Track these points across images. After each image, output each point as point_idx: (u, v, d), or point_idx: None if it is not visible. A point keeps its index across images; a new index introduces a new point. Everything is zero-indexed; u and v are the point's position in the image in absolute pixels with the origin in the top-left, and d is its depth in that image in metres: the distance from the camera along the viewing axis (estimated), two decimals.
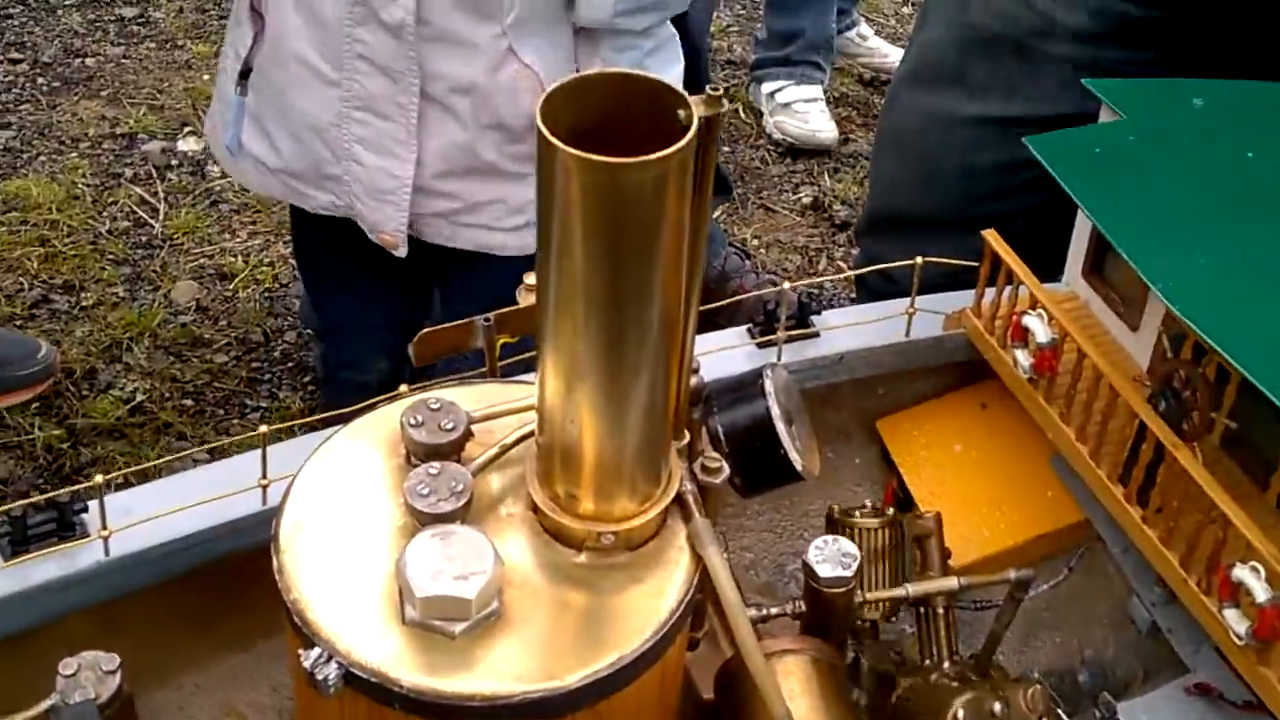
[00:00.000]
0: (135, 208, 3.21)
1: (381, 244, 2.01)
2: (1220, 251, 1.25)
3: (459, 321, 1.18)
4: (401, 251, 2.00)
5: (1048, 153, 1.32)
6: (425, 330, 1.17)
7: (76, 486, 1.17)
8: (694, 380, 1.06)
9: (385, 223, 1.97)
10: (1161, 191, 1.32)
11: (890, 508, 1.34)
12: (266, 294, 3.02)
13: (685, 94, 0.85)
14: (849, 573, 1.18)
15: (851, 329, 1.48)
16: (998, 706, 1.17)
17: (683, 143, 0.82)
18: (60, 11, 3.90)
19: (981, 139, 2.08)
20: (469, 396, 1.07)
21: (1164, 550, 1.23)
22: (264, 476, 1.20)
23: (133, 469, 1.32)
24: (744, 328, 1.47)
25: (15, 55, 3.70)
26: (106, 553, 1.16)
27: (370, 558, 0.97)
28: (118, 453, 2.60)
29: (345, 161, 1.94)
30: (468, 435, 1.03)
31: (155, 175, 3.31)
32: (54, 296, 2.94)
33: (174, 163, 3.36)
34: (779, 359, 1.42)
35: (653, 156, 0.81)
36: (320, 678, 0.91)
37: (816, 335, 1.47)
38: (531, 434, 1.02)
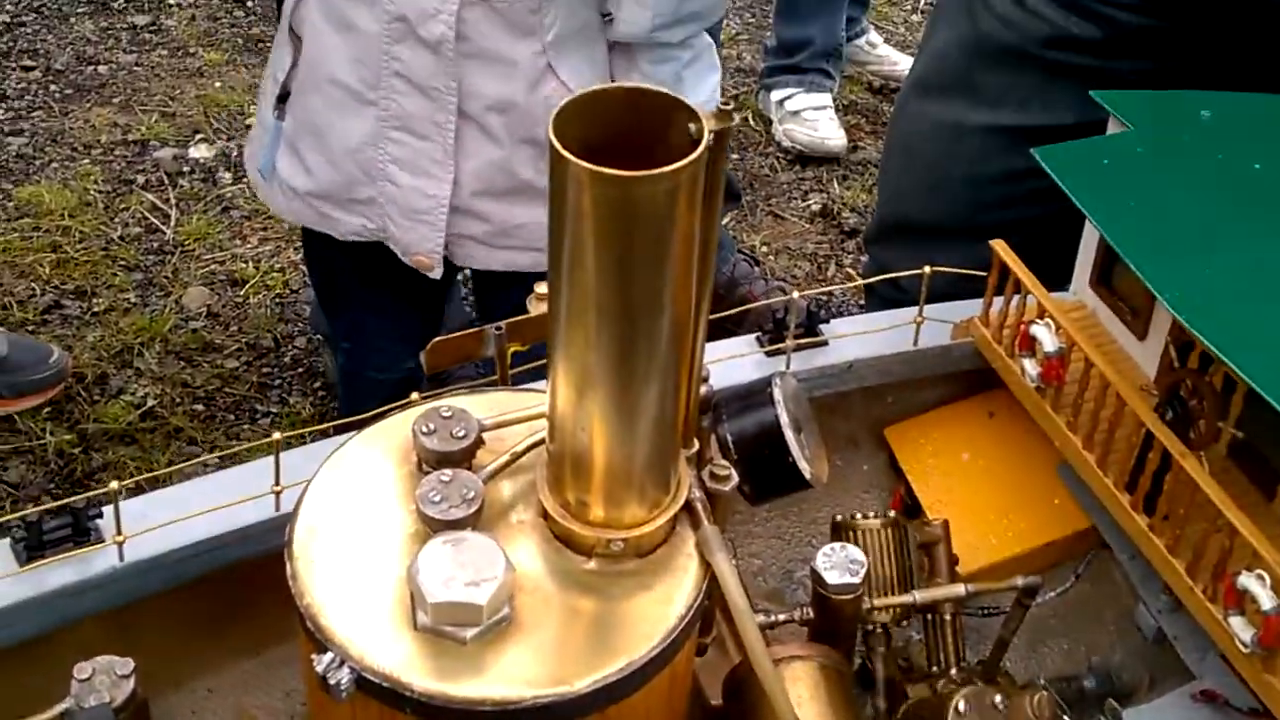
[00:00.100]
0: (147, 214, 3.22)
1: (416, 266, 1.99)
2: (1227, 262, 1.26)
3: (470, 330, 1.19)
4: (437, 273, 2.00)
5: (1056, 164, 1.32)
6: (437, 339, 1.18)
7: (91, 493, 1.18)
8: (703, 389, 1.07)
9: (420, 244, 1.96)
10: (1169, 202, 1.32)
11: (896, 513, 1.35)
12: (277, 300, 3.03)
13: (696, 108, 0.86)
14: (857, 579, 1.19)
15: (860, 337, 1.49)
16: (998, 698, 1.17)
17: (693, 156, 0.83)
18: (73, 19, 3.92)
19: (989, 148, 2.08)
20: (480, 404, 1.08)
21: (1170, 558, 1.23)
22: (277, 483, 1.20)
23: (144, 476, 1.33)
24: (753, 336, 1.48)
25: (28, 63, 3.72)
26: (121, 558, 1.17)
27: (382, 564, 0.98)
28: (129, 457, 2.61)
29: (380, 183, 1.93)
30: (479, 443, 1.04)
31: (167, 182, 3.33)
32: (66, 302, 2.96)
33: (185, 169, 3.38)
34: (788, 367, 1.43)
35: (664, 170, 0.82)
36: (333, 682, 0.92)
37: (825, 344, 1.48)
38: (542, 441, 1.03)
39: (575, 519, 1.00)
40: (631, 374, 0.92)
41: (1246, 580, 1.13)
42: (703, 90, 1.96)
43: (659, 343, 0.91)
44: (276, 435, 1.19)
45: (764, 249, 3.37)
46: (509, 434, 1.06)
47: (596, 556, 1.00)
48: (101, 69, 3.73)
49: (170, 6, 4.00)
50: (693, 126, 0.85)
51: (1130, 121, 1.38)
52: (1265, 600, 1.11)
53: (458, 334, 1.19)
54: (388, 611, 0.95)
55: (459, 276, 2.57)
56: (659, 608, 0.98)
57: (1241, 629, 1.14)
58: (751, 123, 3.79)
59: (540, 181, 1.90)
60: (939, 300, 1.50)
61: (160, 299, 3.00)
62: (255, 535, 1.20)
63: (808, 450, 1.20)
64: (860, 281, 2.44)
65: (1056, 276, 1.50)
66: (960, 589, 1.28)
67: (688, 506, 1.02)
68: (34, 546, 1.15)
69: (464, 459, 1.03)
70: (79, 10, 3.96)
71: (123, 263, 3.08)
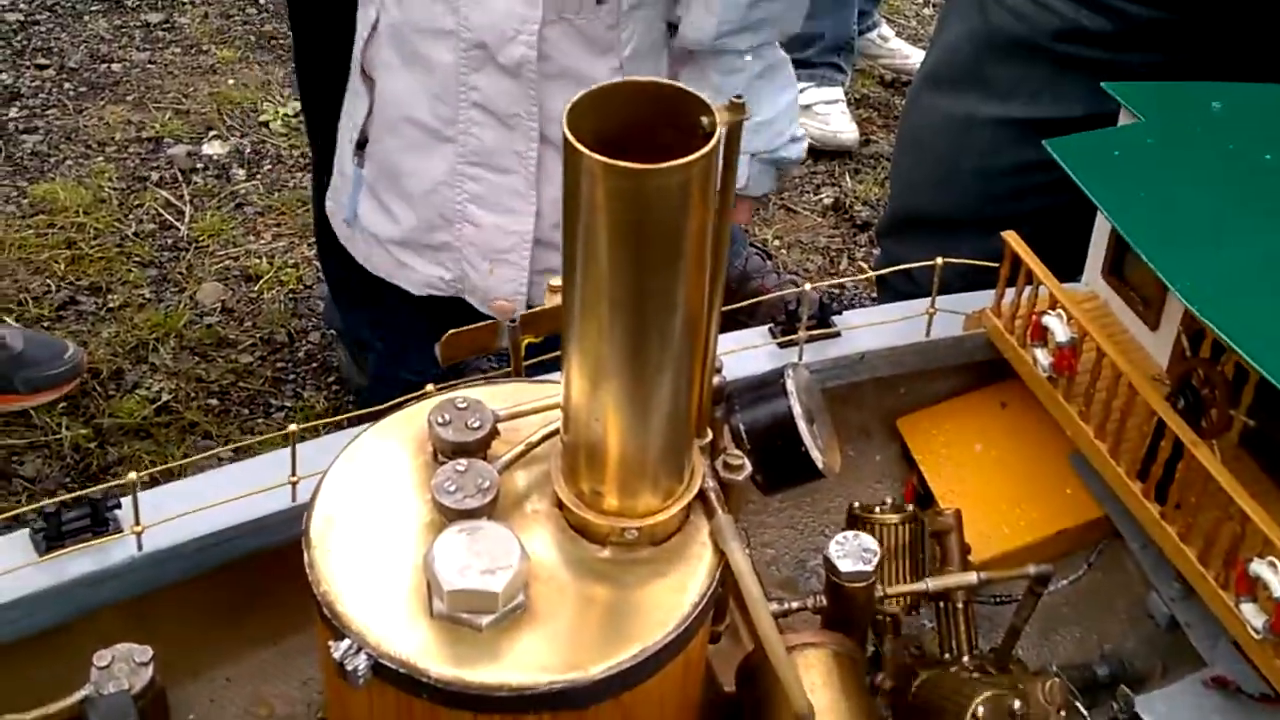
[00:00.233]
0: (161, 210, 3.24)
1: (496, 313, 1.90)
2: (1238, 251, 1.27)
3: (484, 323, 1.20)
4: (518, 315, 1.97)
5: (1067, 155, 1.33)
6: (451, 331, 1.19)
7: (110, 484, 1.19)
8: (716, 379, 1.07)
9: (500, 287, 1.90)
10: (1180, 193, 1.33)
11: (910, 505, 1.36)
12: (291, 295, 3.04)
13: (708, 101, 0.87)
14: (870, 568, 1.19)
15: (872, 329, 1.50)
16: (1017, 704, 1.18)
17: (706, 149, 0.84)
18: (86, 18, 3.93)
19: (1000, 140, 2.09)
20: (495, 395, 1.09)
21: (1182, 546, 1.24)
22: (293, 474, 1.21)
23: (159, 468, 1.34)
24: (765, 327, 1.49)
25: (42, 61, 3.73)
26: (139, 548, 1.18)
27: (399, 553, 0.99)
28: (144, 452, 2.62)
29: (457, 225, 1.88)
30: (494, 433, 1.05)
31: (181, 178, 3.34)
32: (81, 298, 2.97)
33: (199, 166, 3.39)
34: (800, 358, 1.44)
35: (676, 163, 0.83)
36: (350, 669, 0.93)
37: (838, 335, 1.49)
38: (556, 432, 1.04)
39: (590, 508, 1.01)
40: (645, 365, 0.93)
41: (1258, 567, 1.13)
42: (775, 105, 1.91)
43: (672, 334, 0.92)
44: (293, 427, 1.20)
45: (776, 243, 3.38)
46: (524, 424, 1.07)
47: (611, 545, 1.01)
48: (115, 67, 3.74)
49: (183, 4, 4.01)
50: (705, 120, 0.86)
51: (1141, 113, 1.39)
52: (1277, 587, 1.11)
53: (472, 326, 1.20)
54: (404, 599, 0.96)
55: None
56: (673, 595, 0.99)
57: (1253, 615, 1.15)
58: None
59: None
60: (951, 292, 1.50)
61: (175, 295, 3.01)
62: (272, 525, 1.21)
63: (820, 441, 1.20)
64: (872, 273, 2.45)
65: (1068, 268, 1.51)
66: (972, 577, 1.28)
67: (701, 495, 1.03)
68: (53, 537, 1.16)
69: (479, 449, 1.04)
70: (92, 8, 3.97)
71: (137, 259, 3.09)
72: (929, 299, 1.49)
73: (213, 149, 3.45)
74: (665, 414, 0.96)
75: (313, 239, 2.94)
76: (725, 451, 1.07)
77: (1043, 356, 1.38)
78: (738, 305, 1.45)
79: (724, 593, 1.09)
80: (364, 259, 2.03)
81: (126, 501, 1.18)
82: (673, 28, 1.84)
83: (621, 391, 0.94)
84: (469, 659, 0.93)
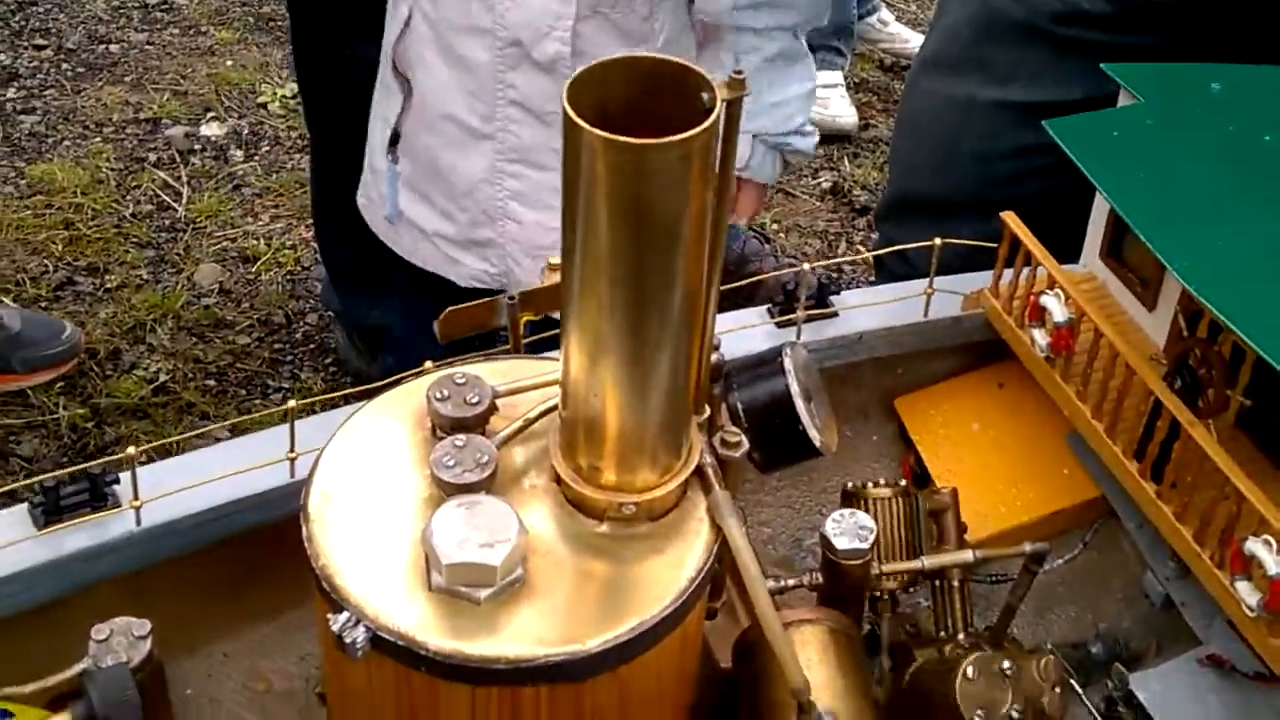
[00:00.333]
0: (159, 191, 3.24)
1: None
2: (1236, 232, 1.27)
3: (483, 300, 1.20)
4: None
5: (1066, 136, 1.33)
6: (450, 309, 1.19)
7: (109, 458, 1.19)
8: (714, 357, 1.07)
9: None
10: (1179, 174, 1.33)
11: (907, 483, 1.36)
12: (288, 276, 3.05)
13: (708, 76, 0.87)
14: (865, 545, 1.20)
15: (870, 309, 1.50)
16: (1006, 664, 1.18)
17: (705, 125, 0.84)
18: None
19: (999, 123, 2.09)
20: (494, 372, 1.09)
21: (1178, 525, 1.24)
22: (292, 450, 1.22)
23: (155, 444, 1.34)
24: (764, 307, 1.49)
25: (40, 41, 3.73)
26: (138, 523, 1.18)
27: (397, 527, 0.99)
28: (141, 432, 2.63)
29: (500, 222, 1.89)
30: (492, 409, 1.05)
31: (178, 159, 3.34)
32: (78, 278, 2.98)
33: (197, 147, 3.39)
34: (798, 338, 1.44)
35: (676, 138, 0.83)
36: (348, 641, 0.93)
37: (835, 315, 1.49)
38: (555, 408, 1.04)
39: (587, 483, 1.01)
40: (643, 341, 0.93)
41: (1253, 545, 1.14)
42: (786, 90, 1.91)
43: (671, 310, 0.92)
44: (291, 403, 1.20)
45: (774, 226, 3.38)
46: (522, 400, 1.07)
47: (608, 520, 1.01)
48: (113, 48, 3.74)
49: None
50: (705, 95, 0.86)
51: (1141, 94, 1.39)
52: (1271, 565, 1.12)
53: (471, 304, 1.20)
54: (403, 573, 0.97)
55: None
56: (670, 570, 0.99)
57: (1248, 594, 1.15)
58: None
59: None
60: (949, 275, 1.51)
61: (172, 276, 3.01)
62: (270, 501, 1.21)
63: (818, 419, 1.21)
64: (869, 254, 2.45)
65: (1066, 251, 1.51)
66: (968, 555, 1.29)
67: (699, 472, 1.03)
68: (51, 511, 1.17)
69: (478, 425, 1.04)
70: None
71: (135, 240, 3.09)
72: (927, 280, 1.49)
73: (211, 130, 3.45)
74: (663, 390, 0.96)
75: (310, 220, 2.94)
76: (723, 429, 1.08)
77: (1040, 337, 1.38)
78: (735, 285, 1.45)
79: (721, 569, 1.09)
80: (409, 253, 2.02)
81: (125, 477, 1.19)
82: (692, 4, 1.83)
83: (620, 367, 0.94)
84: (467, 632, 0.94)
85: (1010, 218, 1.43)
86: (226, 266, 3.06)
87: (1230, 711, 1.23)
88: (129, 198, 3.21)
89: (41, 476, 1.17)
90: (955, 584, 1.30)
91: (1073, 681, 1.24)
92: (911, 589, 1.33)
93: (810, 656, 1.14)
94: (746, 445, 1.07)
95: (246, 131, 3.45)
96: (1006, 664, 1.17)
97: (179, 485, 1.20)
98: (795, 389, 1.19)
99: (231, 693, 1.31)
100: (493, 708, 0.96)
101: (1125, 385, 1.30)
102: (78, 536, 1.17)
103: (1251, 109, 1.40)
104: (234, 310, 2.96)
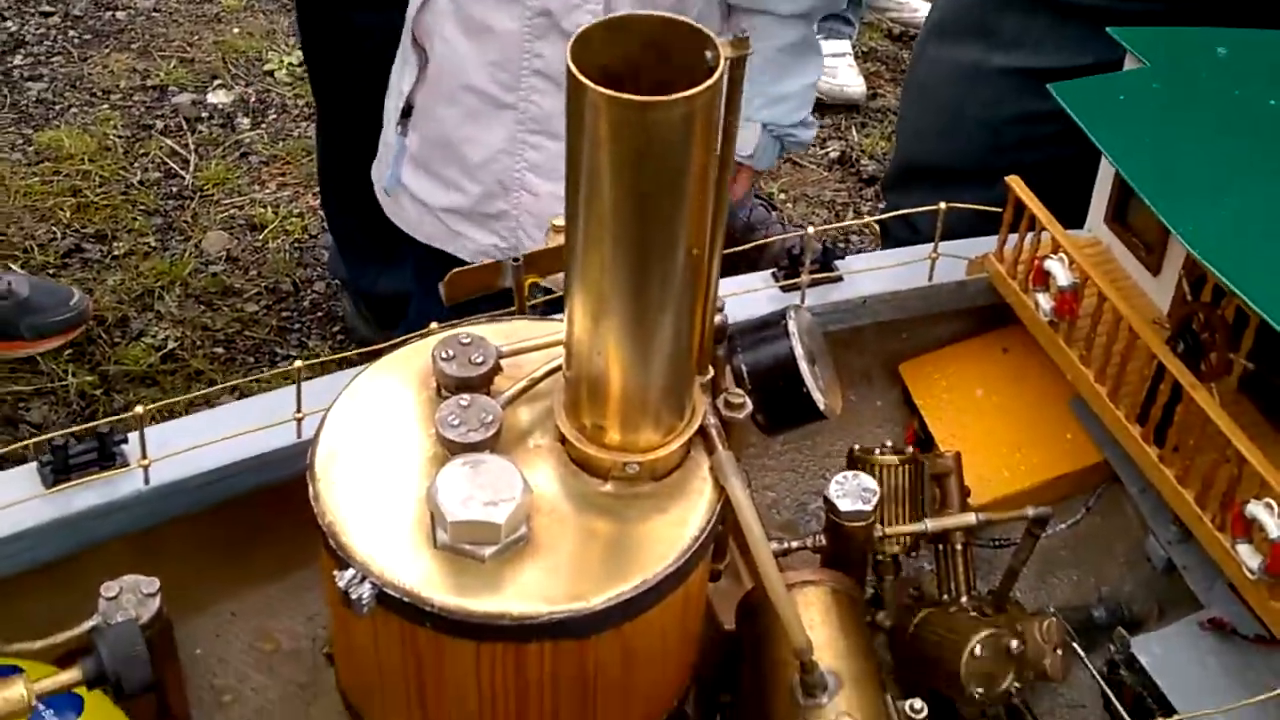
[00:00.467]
0: (166, 159, 3.24)
1: (552, 284, 1.91)
2: (1241, 197, 1.27)
3: (488, 262, 1.21)
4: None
5: (1072, 99, 1.33)
6: (455, 270, 1.20)
7: (117, 417, 1.20)
8: (718, 318, 1.08)
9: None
10: (1184, 138, 1.33)
11: (911, 447, 1.36)
12: (296, 244, 3.05)
13: (712, 35, 0.87)
14: (869, 507, 1.21)
15: (875, 273, 1.50)
16: (1014, 643, 1.19)
17: (708, 83, 0.84)
18: None
19: (1006, 90, 2.08)
20: (498, 332, 1.09)
21: (1180, 488, 1.25)
22: (298, 410, 1.22)
23: (160, 403, 1.34)
24: (769, 272, 1.49)
25: (47, 8, 3.72)
26: (146, 482, 1.19)
27: (402, 485, 1.00)
28: (149, 399, 2.63)
29: (515, 193, 1.87)
30: (497, 369, 1.06)
31: (186, 127, 3.34)
32: (86, 245, 2.98)
33: (204, 115, 3.39)
34: (803, 302, 1.44)
35: (679, 95, 0.83)
36: (354, 597, 0.94)
37: (840, 279, 1.49)
38: (559, 368, 1.05)
39: (591, 443, 1.01)
40: (647, 299, 0.93)
41: (1255, 508, 1.14)
42: (797, 81, 1.90)
43: (674, 268, 0.92)
44: (298, 363, 1.21)
45: (782, 196, 3.37)
46: (527, 361, 1.08)
47: (612, 479, 1.02)
48: (120, 14, 3.73)
49: None
50: (709, 54, 0.86)
51: (1146, 58, 1.39)
52: (1273, 528, 1.12)
53: (476, 265, 1.21)
54: (408, 531, 0.97)
55: None
56: (674, 529, 1.00)
57: (1249, 556, 1.16)
58: None
59: None
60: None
61: (180, 243, 3.02)
62: (277, 461, 1.22)
63: (821, 382, 1.21)
64: (871, 219, 2.45)
65: (1072, 218, 1.51)
66: (971, 517, 1.29)
67: (702, 432, 1.04)
68: (60, 470, 1.17)
69: (482, 384, 1.05)
70: None
71: (142, 207, 3.09)
72: (932, 244, 1.49)
73: (218, 98, 3.45)
74: (666, 350, 0.97)
75: (317, 189, 2.94)
76: (726, 390, 1.08)
77: (1044, 301, 1.39)
78: (740, 249, 1.45)
79: (724, 531, 1.10)
80: (412, 228, 2.00)
81: (133, 436, 1.19)
82: None
83: (623, 326, 0.95)
84: (472, 589, 0.94)
85: (1015, 182, 1.44)
86: (234, 234, 3.06)
87: (1231, 674, 1.24)
88: (136, 165, 3.21)
89: (51, 434, 1.18)
90: (958, 548, 1.31)
91: (1075, 644, 1.25)
92: (914, 553, 1.33)
93: (813, 617, 1.15)
94: (750, 407, 1.08)
95: (253, 99, 3.45)
96: (1014, 643, 1.18)
97: (187, 445, 1.20)
98: (799, 351, 1.19)
99: (239, 652, 1.32)
100: (497, 663, 0.97)
101: (1128, 349, 1.30)
102: (86, 495, 1.18)
103: (1257, 73, 1.39)
104: (242, 278, 2.96)
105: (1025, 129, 2.05)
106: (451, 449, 1.00)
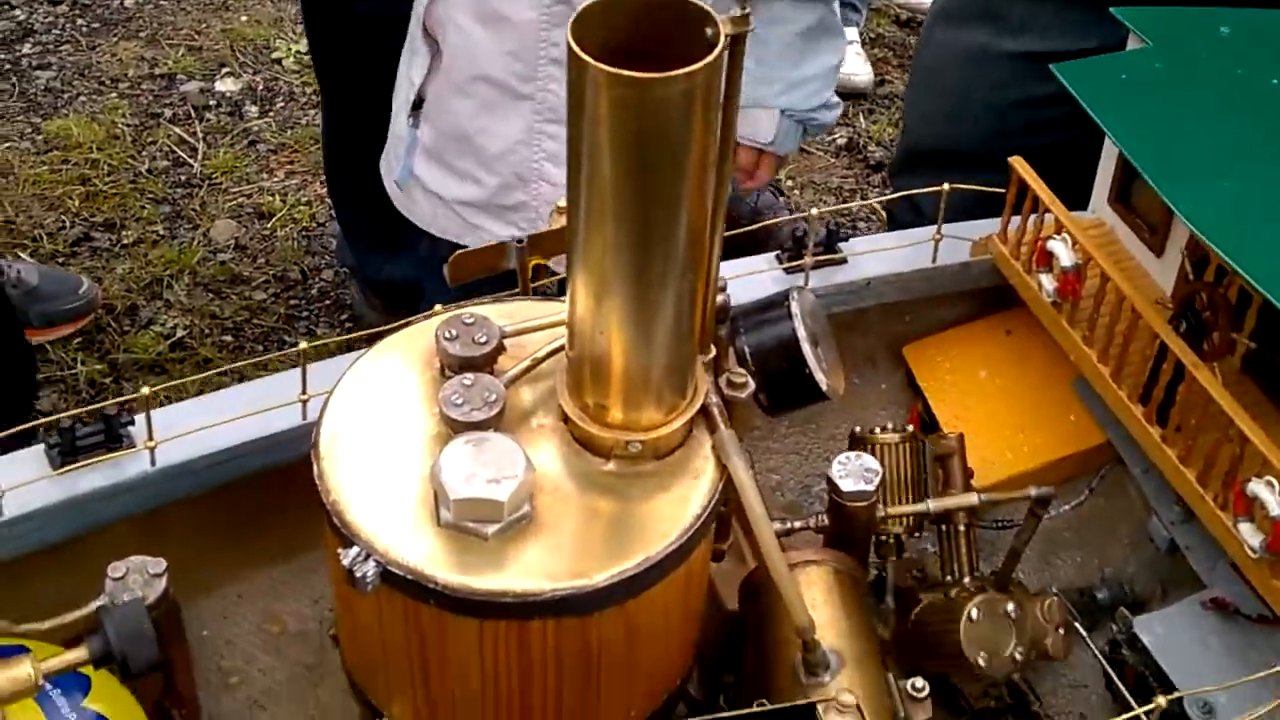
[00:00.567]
0: (174, 147, 3.25)
1: (559, 266, 1.87)
2: (1244, 177, 1.27)
3: (492, 243, 1.21)
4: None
5: (1075, 79, 1.33)
6: (459, 252, 1.20)
7: (124, 398, 1.20)
8: (721, 298, 1.08)
9: None
10: (1187, 118, 1.33)
11: (914, 428, 1.37)
12: (304, 232, 3.06)
13: (712, 12, 0.87)
14: (871, 487, 1.21)
15: (879, 255, 1.50)
16: (1010, 606, 1.20)
17: (708, 59, 0.84)
18: None
19: (1012, 74, 2.08)
20: (502, 313, 1.10)
21: (1182, 468, 1.25)
22: (304, 392, 1.23)
23: (166, 384, 1.34)
24: (772, 254, 1.49)
25: None
26: (152, 463, 1.20)
27: (406, 464, 1.00)
28: (161, 389, 2.64)
29: (533, 184, 1.86)
30: (500, 349, 1.06)
31: (194, 115, 3.35)
32: (95, 234, 2.99)
33: (212, 103, 3.39)
34: (806, 284, 1.45)
35: (679, 72, 0.83)
36: (359, 575, 0.94)
37: (844, 261, 1.49)
38: (562, 348, 1.05)
39: (594, 422, 1.02)
40: (648, 278, 0.94)
41: (1256, 486, 1.14)
42: (817, 64, 1.89)
43: (675, 247, 0.93)
44: (303, 344, 1.21)
45: (789, 182, 3.37)
46: (530, 341, 1.08)
47: (615, 458, 1.02)
48: (128, 3, 3.73)
49: None
50: (709, 31, 0.87)
51: (1149, 38, 1.39)
52: (1274, 505, 1.13)
53: (480, 247, 1.21)
54: (412, 509, 0.98)
55: None
56: (676, 507, 1.00)
57: (1250, 535, 1.16)
58: None
59: None
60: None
61: (188, 231, 3.02)
62: (283, 443, 1.23)
63: (824, 363, 1.21)
64: (876, 200, 2.44)
65: (1078, 202, 1.51)
66: (973, 497, 1.29)
67: (704, 411, 1.04)
68: (67, 451, 1.18)
69: (486, 364, 1.05)
70: None
71: (151, 195, 3.10)
72: (935, 226, 1.49)
73: (225, 86, 3.45)
74: (669, 327, 0.97)
75: (325, 177, 2.94)
76: (729, 371, 1.08)
77: (1047, 281, 1.39)
78: (746, 230, 1.45)
79: (728, 511, 1.10)
80: (426, 222, 1.98)
81: (140, 418, 1.20)
82: None
83: (625, 304, 0.95)
84: (475, 566, 0.95)
85: (1018, 163, 1.44)
86: (242, 222, 3.07)
87: (1233, 653, 1.24)
88: (145, 153, 3.22)
89: (57, 416, 1.19)
90: (961, 528, 1.31)
91: (1077, 624, 1.25)
92: (917, 534, 1.34)
93: (815, 597, 1.16)
94: (752, 386, 1.08)
95: (261, 87, 3.45)
96: (1010, 606, 1.19)
97: (192, 427, 1.21)
98: (802, 332, 1.20)
99: (247, 634, 1.33)
100: (501, 641, 0.97)
101: (1131, 329, 1.30)
102: (93, 476, 1.19)
103: (1260, 53, 1.39)
104: (250, 266, 2.97)
105: (1032, 113, 2.04)
106: (455, 428, 1.00)
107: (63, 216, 3.01)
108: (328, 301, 2.92)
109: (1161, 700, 1.05)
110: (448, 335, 1.05)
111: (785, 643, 1.11)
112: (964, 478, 1.35)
